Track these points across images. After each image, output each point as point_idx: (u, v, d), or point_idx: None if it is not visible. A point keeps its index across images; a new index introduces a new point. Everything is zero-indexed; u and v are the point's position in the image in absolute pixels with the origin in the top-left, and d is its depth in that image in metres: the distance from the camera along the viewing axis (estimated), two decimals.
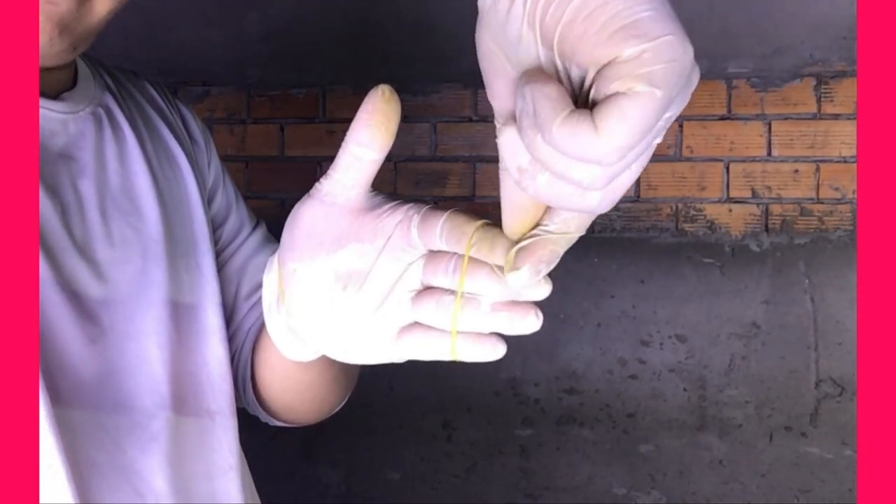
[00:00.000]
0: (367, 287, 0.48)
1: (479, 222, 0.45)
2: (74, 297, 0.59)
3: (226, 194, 0.78)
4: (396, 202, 0.48)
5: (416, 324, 0.48)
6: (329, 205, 0.48)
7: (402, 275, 0.47)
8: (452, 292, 0.46)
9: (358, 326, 0.49)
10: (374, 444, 2.26)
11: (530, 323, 0.45)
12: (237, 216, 0.77)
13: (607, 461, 2.21)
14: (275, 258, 0.54)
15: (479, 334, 0.47)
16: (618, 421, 2.21)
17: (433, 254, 0.47)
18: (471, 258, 0.45)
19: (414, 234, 0.46)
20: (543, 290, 0.44)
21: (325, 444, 2.27)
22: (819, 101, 2.14)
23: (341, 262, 0.48)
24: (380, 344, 0.50)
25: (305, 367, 0.62)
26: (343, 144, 0.46)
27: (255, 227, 0.78)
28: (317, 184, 0.49)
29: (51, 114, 0.62)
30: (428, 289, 0.47)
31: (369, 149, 0.45)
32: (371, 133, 0.45)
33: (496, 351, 0.47)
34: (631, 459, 2.20)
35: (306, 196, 0.49)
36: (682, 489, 2.17)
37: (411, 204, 0.48)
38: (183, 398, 0.64)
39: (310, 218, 0.49)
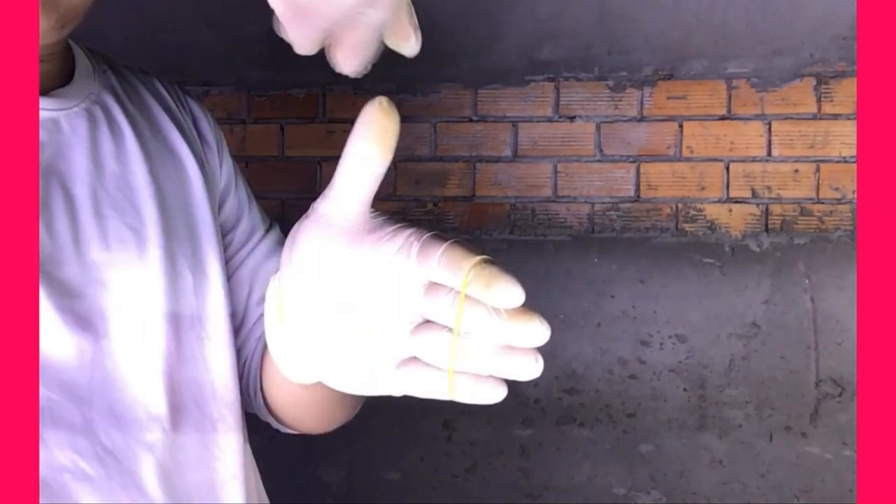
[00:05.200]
0: (363, 315, 0.46)
1: (477, 258, 0.42)
2: (68, 302, 0.57)
3: (238, 197, 0.75)
4: (398, 226, 0.45)
5: (416, 358, 0.45)
6: (326, 226, 0.45)
7: (400, 304, 0.45)
8: (450, 329, 0.43)
9: (354, 355, 0.47)
10: (374, 444, 2.25)
11: (530, 369, 0.43)
12: (249, 219, 0.75)
13: (607, 461, 2.21)
14: (275, 277, 0.51)
15: (478, 376, 0.44)
16: (618, 421, 2.21)
17: (433, 285, 0.44)
18: (469, 296, 0.42)
19: (413, 262, 0.43)
20: (542, 336, 0.42)
21: (326, 444, 2.26)
22: (819, 101, 2.14)
23: (338, 287, 0.46)
24: (376, 375, 0.47)
25: (308, 387, 0.59)
26: (340, 161, 0.43)
27: (267, 231, 0.76)
28: (314, 203, 0.46)
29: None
30: (427, 322, 0.44)
31: (367, 164, 0.42)
32: (368, 146, 0.42)
33: (496, 393, 0.44)
34: (631, 459, 2.20)
35: (304, 217, 0.47)
36: (682, 489, 2.17)
37: (413, 230, 0.44)
38: (182, 408, 0.62)
39: (307, 240, 0.46)
